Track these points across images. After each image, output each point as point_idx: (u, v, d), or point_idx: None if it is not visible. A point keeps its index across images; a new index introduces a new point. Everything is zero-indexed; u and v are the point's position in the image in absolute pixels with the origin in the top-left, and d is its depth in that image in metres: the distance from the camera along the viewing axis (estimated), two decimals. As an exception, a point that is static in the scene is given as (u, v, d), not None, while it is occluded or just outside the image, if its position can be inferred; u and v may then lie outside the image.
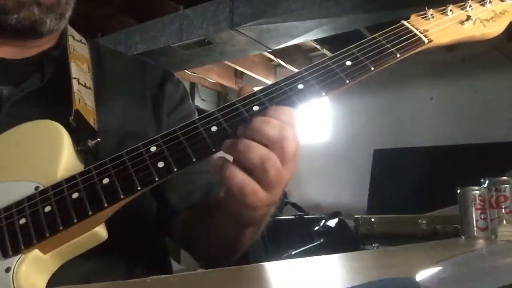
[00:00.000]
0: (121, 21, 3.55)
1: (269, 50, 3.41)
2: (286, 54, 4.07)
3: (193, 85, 4.77)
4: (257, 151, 0.53)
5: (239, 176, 0.53)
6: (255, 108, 0.57)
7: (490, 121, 3.67)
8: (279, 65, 4.36)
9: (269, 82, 4.66)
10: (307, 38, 3.18)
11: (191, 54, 3.37)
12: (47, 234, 0.53)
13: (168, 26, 3.23)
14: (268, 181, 0.53)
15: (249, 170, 0.53)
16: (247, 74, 4.62)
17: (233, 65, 4.33)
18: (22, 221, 0.54)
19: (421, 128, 3.97)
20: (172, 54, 3.34)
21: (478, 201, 1.10)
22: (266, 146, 0.53)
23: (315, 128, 4.54)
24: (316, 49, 4.05)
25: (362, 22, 2.93)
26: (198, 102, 4.80)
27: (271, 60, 4.38)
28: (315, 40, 3.56)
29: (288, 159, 0.54)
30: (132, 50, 3.30)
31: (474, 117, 3.75)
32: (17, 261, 0.52)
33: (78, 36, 0.85)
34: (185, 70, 4.05)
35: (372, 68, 0.62)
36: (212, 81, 4.76)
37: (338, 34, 3.03)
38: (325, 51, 3.85)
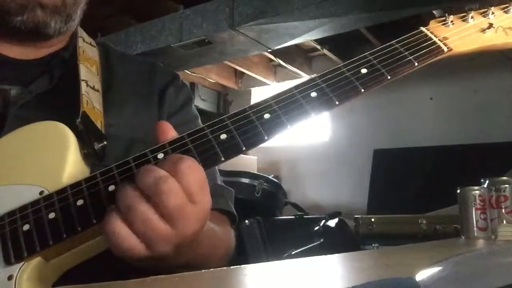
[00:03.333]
0: (121, 21, 3.55)
1: (269, 50, 3.41)
2: (286, 54, 4.07)
3: (193, 85, 4.77)
4: (124, 198, 0.48)
5: (120, 231, 0.48)
6: (266, 116, 0.56)
7: (490, 121, 3.67)
8: (279, 65, 4.36)
9: (269, 82, 4.68)
10: (307, 38, 3.18)
11: (191, 54, 3.37)
12: (51, 242, 0.52)
13: (168, 26, 3.23)
14: (135, 230, 0.48)
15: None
16: (247, 74, 4.62)
17: (233, 65, 4.33)
18: (26, 227, 0.53)
19: (421, 128, 3.96)
20: (172, 54, 3.34)
21: (478, 201, 1.10)
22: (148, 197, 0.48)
23: (315, 128, 4.54)
24: (316, 49, 4.04)
25: (362, 22, 2.92)
26: (198, 102, 4.80)
27: (271, 60, 4.37)
28: (315, 40, 3.55)
29: (169, 215, 0.48)
30: (132, 50, 3.30)
31: (474, 117, 3.75)
32: (20, 269, 0.52)
33: (88, 38, 0.84)
34: (185, 70, 4.05)
35: (389, 77, 0.60)
36: (212, 81, 4.75)
37: (338, 34, 3.03)
38: (325, 51, 3.84)
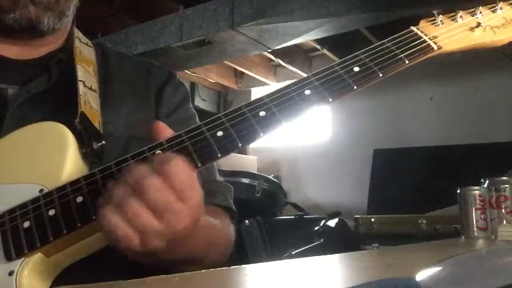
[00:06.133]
0: (121, 21, 3.55)
1: (269, 50, 3.41)
2: (286, 54, 4.06)
3: (193, 85, 4.77)
4: (116, 193, 0.50)
5: (113, 219, 0.49)
6: (262, 113, 0.57)
7: (490, 121, 3.67)
8: (279, 65, 4.36)
9: (269, 82, 4.68)
10: (307, 38, 3.18)
11: (191, 54, 3.37)
12: (51, 238, 0.52)
13: (168, 26, 3.23)
14: (128, 221, 0.49)
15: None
16: (247, 74, 4.62)
17: (233, 65, 4.33)
18: (26, 224, 0.54)
19: (421, 128, 3.96)
20: (172, 54, 3.34)
21: (478, 201, 1.10)
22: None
23: (315, 128, 4.54)
24: (316, 49, 4.04)
25: (362, 22, 2.92)
26: (198, 102, 4.80)
27: (271, 60, 4.37)
28: (315, 40, 3.55)
29: (156, 210, 0.49)
30: (132, 50, 3.30)
31: (474, 117, 3.75)
32: (20, 264, 0.52)
33: (84, 39, 0.85)
34: (185, 70, 4.05)
35: (381, 75, 0.62)
36: (212, 81, 4.75)
37: (338, 34, 3.03)
38: (325, 51, 3.84)
